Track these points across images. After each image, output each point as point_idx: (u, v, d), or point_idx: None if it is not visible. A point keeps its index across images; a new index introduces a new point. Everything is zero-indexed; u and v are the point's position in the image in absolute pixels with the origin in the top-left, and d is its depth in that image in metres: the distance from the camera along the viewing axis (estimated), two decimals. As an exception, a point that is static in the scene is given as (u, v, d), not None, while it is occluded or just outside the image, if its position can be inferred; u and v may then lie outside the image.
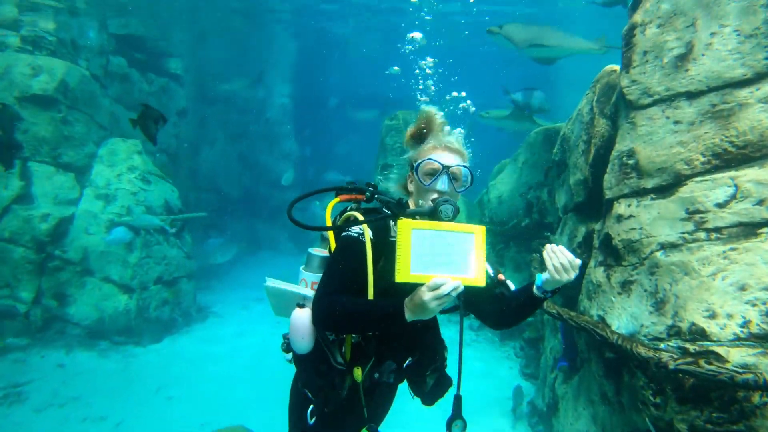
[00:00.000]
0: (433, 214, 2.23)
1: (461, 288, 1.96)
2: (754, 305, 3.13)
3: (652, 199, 3.75)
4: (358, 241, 2.26)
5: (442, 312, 2.16)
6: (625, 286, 3.81)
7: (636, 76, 3.84)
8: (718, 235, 3.39)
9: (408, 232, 2.11)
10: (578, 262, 2.11)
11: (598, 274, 4.13)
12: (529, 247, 8.02)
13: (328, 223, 2.43)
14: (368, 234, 2.26)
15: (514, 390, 6.73)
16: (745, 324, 3.12)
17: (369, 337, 2.32)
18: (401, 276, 2.03)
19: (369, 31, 20.80)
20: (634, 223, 3.78)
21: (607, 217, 4.14)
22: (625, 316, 3.73)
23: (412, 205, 2.46)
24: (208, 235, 15.43)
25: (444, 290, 1.92)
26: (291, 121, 24.59)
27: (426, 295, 1.94)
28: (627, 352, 3.17)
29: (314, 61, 26.82)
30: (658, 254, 3.56)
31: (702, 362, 2.83)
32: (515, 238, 8.67)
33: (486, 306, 2.47)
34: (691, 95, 3.61)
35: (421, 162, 2.36)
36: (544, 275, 2.18)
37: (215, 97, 21.39)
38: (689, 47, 3.62)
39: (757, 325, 3.09)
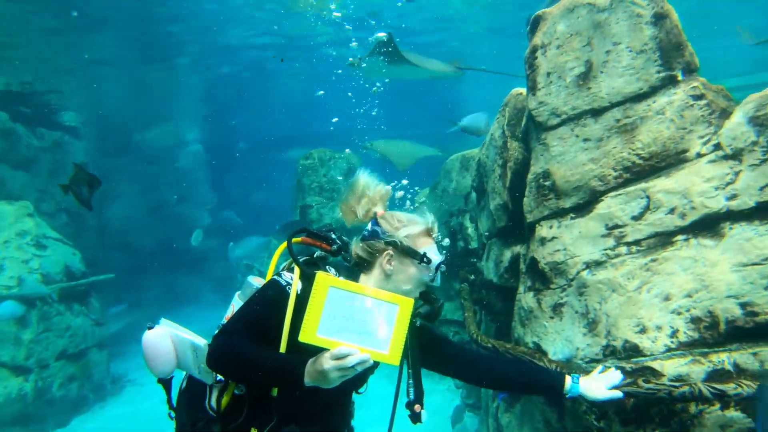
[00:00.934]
0: (430, 316, 2.36)
1: (369, 363, 1.77)
2: (679, 314, 3.12)
3: (572, 218, 3.72)
4: (284, 291, 2.08)
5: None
6: (557, 309, 3.72)
7: (543, 98, 3.86)
8: (638, 248, 3.39)
9: (324, 289, 1.89)
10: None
11: (528, 299, 4.03)
12: (457, 276, 7.95)
13: (274, 264, 2.38)
14: (296, 287, 2.08)
15: (454, 409, 6.53)
16: (674, 334, 3.09)
17: (278, 395, 2.09)
18: (305, 335, 1.82)
19: (289, 68, 20.65)
20: (558, 244, 3.73)
21: (530, 241, 4.08)
22: (559, 340, 3.63)
23: (363, 281, 2.26)
24: (120, 298, 14.28)
25: (348, 362, 1.73)
26: (204, 167, 23.77)
27: (328, 363, 1.74)
28: (567, 380, 3.04)
29: (228, 104, 26.27)
30: (585, 273, 3.51)
31: (641, 381, 2.74)
32: (445, 265, 8.61)
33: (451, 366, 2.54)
34: (596, 112, 3.66)
35: (425, 251, 2.25)
36: (587, 389, 2.55)
37: (120, 149, 20.27)
38: (588, 66, 3.68)
39: (685, 333, 3.07)
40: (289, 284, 2.10)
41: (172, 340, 2.36)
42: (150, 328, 2.38)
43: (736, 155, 3.20)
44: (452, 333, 8.53)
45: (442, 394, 8.15)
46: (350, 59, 7.64)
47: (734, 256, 3.10)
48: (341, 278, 2.09)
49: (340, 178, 11.39)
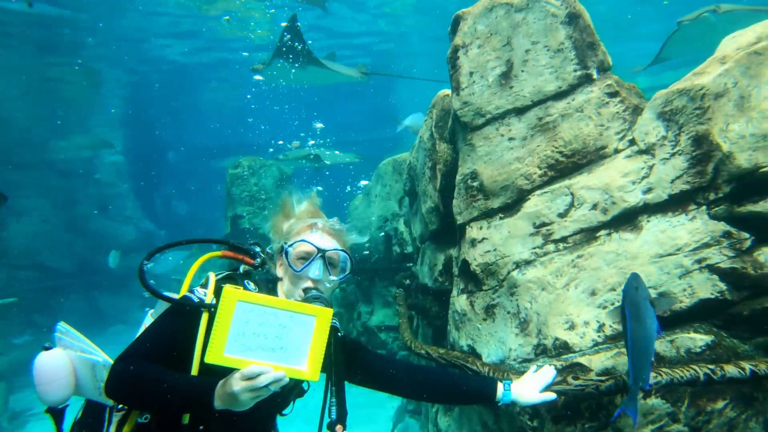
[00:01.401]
0: None
1: (285, 381, 1.64)
2: (604, 308, 3.16)
3: (501, 218, 3.72)
4: (195, 308, 1.91)
5: None
6: (489, 311, 3.70)
7: (467, 98, 3.85)
8: (565, 245, 3.43)
9: (231, 304, 1.72)
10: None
11: (461, 302, 4.00)
12: (393, 281, 7.90)
13: (189, 279, 2.17)
14: (211, 297, 1.96)
15: (396, 410, 6.45)
16: (600, 328, 3.13)
17: (189, 422, 1.89)
18: (211, 355, 1.67)
19: (211, 74, 19.94)
20: (488, 245, 3.72)
21: (462, 243, 4.05)
22: (493, 342, 3.61)
23: (280, 293, 2.15)
24: (33, 323, 13.22)
25: (260, 382, 1.59)
26: (127, 179, 22.56)
27: (237, 384, 1.59)
28: (501, 382, 3.00)
29: (150, 111, 25.13)
30: (515, 273, 3.50)
31: (570, 378, 2.74)
32: (380, 272, 8.53)
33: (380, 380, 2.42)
34: (519, 111, 3.67)
35: (293, 243, 2.09)
36: (519, 395, 2.48)
37: (28, 163, 18.87)
38: (509, 65, 3.70)
39: (610, 326, 3.12)
40: (202, 300, 1.94)
41: (71, 362, 2.13)
42: (46, 348, 2.17)
43: (649, 150, 3.29)
44: (391, 339, 8.47)
45: (381, 403, 8.05)
46: (254, 65, 7.47)
47: (651, 248, 3.18)
48: (255, 292, 1.94)
49: (272, 186, 11.08)
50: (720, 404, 2.90)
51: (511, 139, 3.70)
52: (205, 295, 1.98)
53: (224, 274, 2.18)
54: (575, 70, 3.59)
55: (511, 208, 3.68)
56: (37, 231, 17.05)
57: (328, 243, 2.14)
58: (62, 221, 18.55)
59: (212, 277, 2.07)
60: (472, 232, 3.86)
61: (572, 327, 3.16)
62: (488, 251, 3.70)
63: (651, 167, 3.25)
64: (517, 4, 3.71)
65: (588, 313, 3.17)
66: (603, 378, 2.71)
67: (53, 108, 19.76)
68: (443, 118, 4.86)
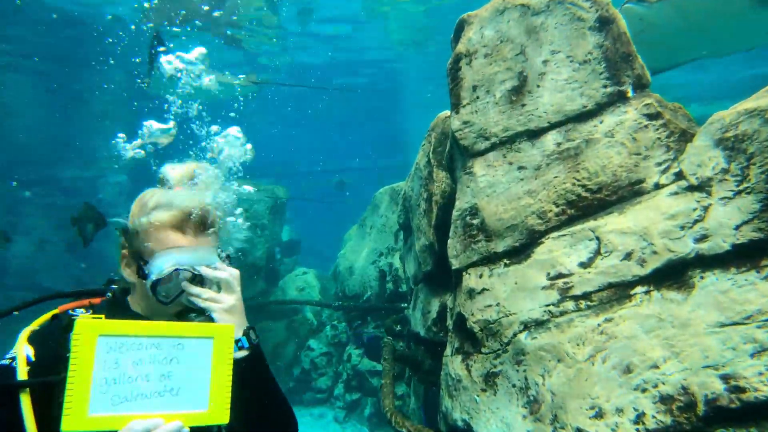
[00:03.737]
0: None
1: None
2: (644, 390, 2.38)
3: (506, 265, 2.99)
4: (5, 372, 1.32)
5: None
6: (489, 380, 2.93)
7: (468, 116, 3.16)
8: (588, 303, 2.67)
9: (90, 342, 1.23)
10: None
11: (456, 365, 3.23)
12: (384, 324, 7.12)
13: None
14: (23, 355, 1.34)
15: None
16: (639, 418, 2.35)
17: None
18: (71, 421, 1.18)
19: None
20: (490, 298, 2.97)
21: (457, 292, 3.31)
22: (494, 421, 2.83)
23: (135, 305, 1.59)
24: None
25: None
26: (130, 200, 22.08)
27: None
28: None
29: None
30: (523, 336, 2.75)
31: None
32: (372, 311, 7.74)
33: None
34: (533, 134, 2.98)
35: (154, 258, 1.48)
36: None
37: (31, 181, 18.53)
38: (522, 79, 3.02)
39: (653, 417, 2.33)
40: (13, 359, 1.35)
41: None
42: None
43: (703, 186, 2.56)
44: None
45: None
46: (145, 80, 7.01)
47: (709, 313, 2.42)
48: (115, 319, 1.34)
49: (266, 211, 10.43)
50: None
51: (521, 168, 2.99)
52: (13, 360, 1.34)
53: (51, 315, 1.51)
54: (605, 86, 2.90)
55: (519, 253, 2.95)
56: (35, 252, 16.53)
57: (194, 248, 1.52)
58: (62, 241, 18.01)
59: (23, 334, 1.39)
60: (470, 280, 3.12)
61: (600, 416, 2.38)
62: (489, 306, 2.95)
63: (706, 208, 2.51)
64: (535, 5, 3.06)
65: (621, 397, 2.39)
66: (646, 504, 1.92)
67: (57, 129, 19.44)
68: (442, 142, 4.18)
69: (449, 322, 3.50)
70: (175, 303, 1.48)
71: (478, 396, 2.98)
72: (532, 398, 2.62)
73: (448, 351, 3.44)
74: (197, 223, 1.52)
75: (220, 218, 1.60)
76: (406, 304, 6.37)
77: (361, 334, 7.92)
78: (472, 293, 3.10)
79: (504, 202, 2.99)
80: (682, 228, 2.52)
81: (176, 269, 1.45)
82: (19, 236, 16.39)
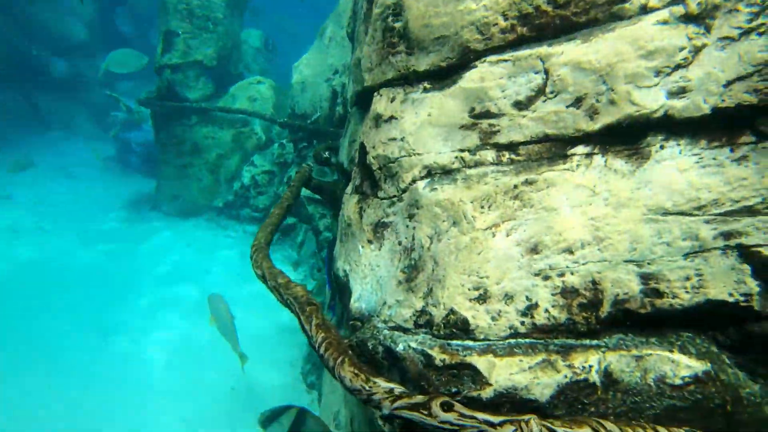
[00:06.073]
0: None
1: None
2: (546, 278, 1.86)
3: (425, 90, 2.25)
4: None
5: None
6: (378, 231, 2.39)
7: None
8: (513, 156, 2.03)
9: None
10: None
11: (350, 205, 2.66)
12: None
13: None
14: None
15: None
16: (529, 310, 1.85)
17: None
18: None
19: None
20: (396, 129, 2.28)
21: (366, 118, 2.61)
22: (370, 280, 2.35)
23: None
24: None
25: None
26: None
27: None
28: (328, 369, 1.76)
29: None
30: (421, 185, 2.13)
31: (436, 406, 1.49)
32: (319, 135, 7.05)
33: None
34: None
35: None
36: None
37: None
38: None
39: (546, 311, 1.84)
40: None
41: None
42: None
43: (704, 17, 1.77)
44: (318, 214, 7.25)
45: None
46: None
47: (655, 195, 1.81)
48: None
49: (222, 3, 9.02)
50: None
51: (472, -46, 2.09)
52: None
53: None
54: None
55: (444, 76, 2.20)
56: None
57: None
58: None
59: None
60: (380, 103, 2.41)
61: (482, 299, 1.87)
62: (394, 139, 2.28)
63: (697, 51, 1.76)
64: None
65: (516, 281, 1.87)
66: (495, 419, 1.47)
67: None
68: None
69: (355, 154, 2.86)
70: None
71: (363, 247, 2.46)
72: (413, 263, 2.09)
73: (349, 188, 2.85)
74: None
75: None
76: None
77: (305, 158, 7.34)
78: (378, 120, 2.40)
79: (437, 2, 2.14)
80: (658, 74, 1.78)
81: None
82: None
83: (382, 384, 1.57)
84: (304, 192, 7.52)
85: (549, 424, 1.48)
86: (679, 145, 1.82)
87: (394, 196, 2.31)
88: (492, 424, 1.44)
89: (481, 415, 1.46)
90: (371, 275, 2.35)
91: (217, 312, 4.64)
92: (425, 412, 1.48)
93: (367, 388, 1.57)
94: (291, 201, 3.36)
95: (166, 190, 9.56)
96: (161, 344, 5.90)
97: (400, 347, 1.88)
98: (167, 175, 9.47)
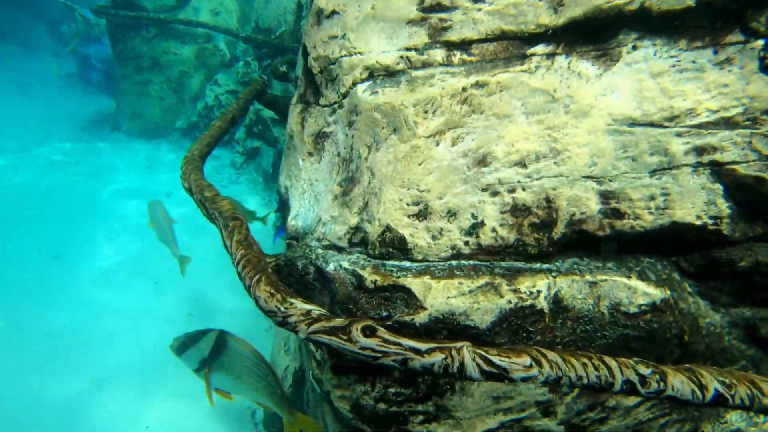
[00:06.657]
0: None
1: None
2: (495, 194, 1.65)
3: (372, -23, 1.93)
4: None
5: None
6: (318, 142, 2.14)
7: None
8: (465, 56, 1.76)
9: None
10: None
11: (294, 116, 2.39)
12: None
13: None
14: None
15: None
16: (474, 229, 1.66)
17: None
18: None
19: None
20: (337, 26, 1.98)
21: (308, 14, 2.29)
22: (308, 196, 2.12)
23: None
24: None
25: None
26: None
27: None
28: (245, 288, 1.57)
29: None
30: (362, 89, 1.86)
31: (357, 330, 1.32)
32: (282, 51, 6.56)
33: None
34: None
35: None
36: None
37: None
38: None
39: (492, 230, 1.65)
40: None
41: None
42: None
43: None
44: (284, 136, 6.89)
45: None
46: None
47: (623, 103, 1.58)
48: None
49: None
50: (632, 400, 1.65)
51: None
52: None
53: None
54: None
55: (392, -40, 1.87)
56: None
57: None
58: None
59: None
60: (321, -5, 2.08)
61: (422, 215, 1.67)
62: (335, 37, 1.98)
63: None
64: None
65: (461, 196, 1.66)
66: (421, 346, 1.30)
67: None
68: None
69: (302, 59, 2.54)
70: None
71: (303, 160, 2.22)
72: (350, 175, 1.86)
73: (294, 97, 2.56)
74: None
75: None
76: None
77: (270, 78, 6.88)
78: (320, 16, 2.08)
79: None
80: (639, -49, 1.50)
81: None
82: None
83: (299, 305, 1.38)
84: (269, 113, 7.14)
85: (483, 353, 1.31)
86: (654, 45, 1.58)
87: (335, 102, 2.04)
88: (419, 351, 1.27)
89: (406, 342, 1.29)
90: (309, 190, 2.13)
91: (156, 217, 4.41)
92: (344, 337, 1.30)
93: (282, 309, 1.38)
94: (236, 114, 3.06)
95: (126, 108, 9.02)
96: (117, 267, 5.70)
97: (330, 267, 1.69)
98: (126, 91, 8.89)
